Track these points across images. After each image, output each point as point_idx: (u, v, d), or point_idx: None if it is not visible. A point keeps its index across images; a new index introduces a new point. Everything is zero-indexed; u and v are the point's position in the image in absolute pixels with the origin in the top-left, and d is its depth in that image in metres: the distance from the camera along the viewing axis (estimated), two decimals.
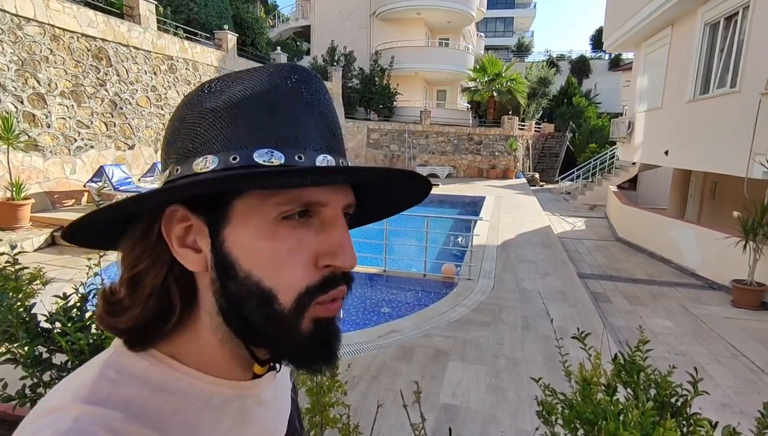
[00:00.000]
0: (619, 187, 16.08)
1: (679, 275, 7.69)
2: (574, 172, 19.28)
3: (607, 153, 18.53)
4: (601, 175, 17.67)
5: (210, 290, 0.46)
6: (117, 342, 0.48)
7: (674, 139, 9.38)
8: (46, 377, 2.07)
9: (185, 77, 12.52)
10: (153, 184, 9.78)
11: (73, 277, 5.85)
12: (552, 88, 30.44)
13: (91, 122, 9.48)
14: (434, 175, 21.70)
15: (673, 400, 1.73)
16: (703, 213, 12.29)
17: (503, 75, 23.74)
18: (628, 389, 1.80)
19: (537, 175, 23.94)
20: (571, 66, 38.87)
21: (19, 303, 2.03)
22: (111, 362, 0.45)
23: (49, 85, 8.63)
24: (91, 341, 1.92)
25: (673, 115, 9.44)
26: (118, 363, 0.45)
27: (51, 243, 7.41)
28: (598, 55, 40.63)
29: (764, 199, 5.97)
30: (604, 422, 1.59)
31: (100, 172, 8.94)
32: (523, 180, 21.93)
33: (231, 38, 14.64)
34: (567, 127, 26.87)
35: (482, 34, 37.01)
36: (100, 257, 2.39)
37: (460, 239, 9.43)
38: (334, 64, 22.81)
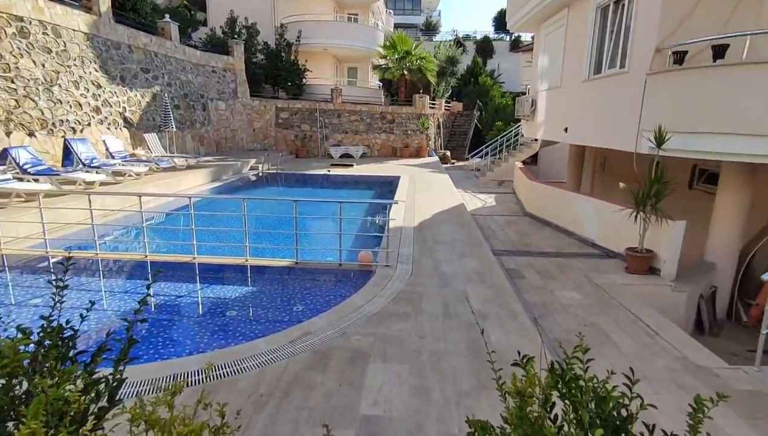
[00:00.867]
0: (523, 162, 17.01)
1: (581, 245, 8.18)
2: (482, 150, 20.00)
3: (512, 131, 19.45)
4: (507, 152, 18.54)
5: None
6: None
7: (573, 117, 9.92)
8: None
9: (44, 44, 10.46)
10: (5, 175, 8.08)
11: None
12: (459, 67, 31.27)
13: None
14: (349, 156, 21.24)
15: (615, 414, 1.50)
16: (595, 186, 13.41)
17: (413, 53, 23.70)
18: (566, 401, 1.54)
19: (448, 153, 24.56)
20: (476, 46, 40.24)
21: None
22: None
23: None
24: None
25: (571, 94, 9.94)
26: None
27: None
28: (500, 36, 42.57)
29: (651, 173, 6.43)
30: None
31: None
32: (436, 158, 22.35)
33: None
34: (474, 106, 27.86)
35: (391, 11, 36.67)
36: None
37: (376, 220, 9.17)
38: (235, 37, 20.96)
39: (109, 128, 12.38)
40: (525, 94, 18.72)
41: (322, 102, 21.71)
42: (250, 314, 5.09)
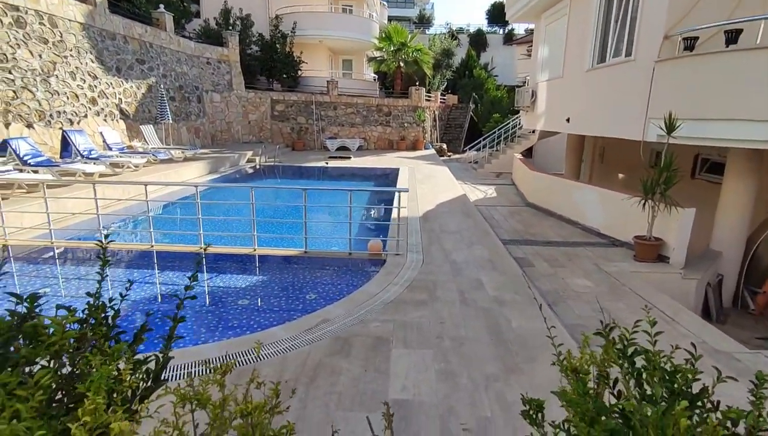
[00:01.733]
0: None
1: (586, 235, 8.21)
2: (480, 142, 19.99)
3: (509, 122, 19.45)
4: (505, 144, 18.55)
5: None
6: None
7: (575, 107, 9.92)
8: None
9: (40, 34, 10.22)
10: (5, 166, 7.92)
11: None
12: (454, 60, 31.15)
13: None
14: (345, 148, 21.11)
15: (685, 388, 1.48)
16: (594, 176, 13.48)
17: (408, 45, 23.56)
18: (627, 377, 1.52)
19: (444, 146, 24.53)
20: (470, 39, 40.10)
21: None
22: None
23: None
24: None
25: (574, 84, 9.93)
26: None
27: None
28: (494, 29, 42.50)
29: (660, 161, 6.45)
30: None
31: None
32: (432, 151, 22.30)
33: None
34: (470, 99, 27.81)
35: (385, 3, 36.39)
36: None
37: (373, 213, 9.12)
38: (230, 28, 20.66)
39: (105, 120, 12.16)
40: (521, 86, 18.70)
41: (317, 94, 21.53)
42: (263, 303, 5.03)
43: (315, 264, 6.01)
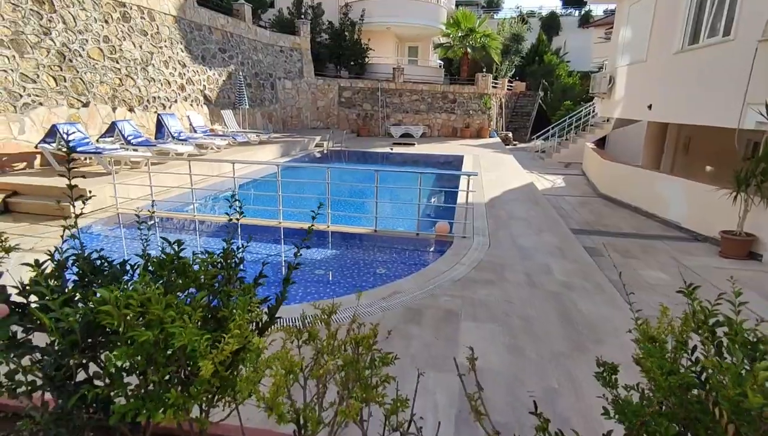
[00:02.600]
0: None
1: (664, 228, 7.79)
2: (549, 131, 19.26)
3: (581, 110, 18.54)
4: (575, 133, 17.74)
5: None
6: None
7: (658, 93, 9.32)
8: (25, 361, 1.68)
9: (141, 27, 11.34)
10: (113, 144, 8.97)
11: (35, 245, 5.25)
12: (524, 45, 29.97)
13: (38, 76, 8.43)
14: (409, 135, 21.26)
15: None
16: (676, 168, 12.57)
17: (477, 30, 23.03)
18: (707, 347, 1.59)
19: (510, 135, 23.87)
20: (541, 23, 38.29)
21: None
22: None
23: None
24: (80, 316, 1.53)
25: (659, 68, 9.32)
26: None
27: (3, 210, 6.66)
28: (569, 11, 40.20)
29: (760, 150, 5.98)
30: (716, 383, 1.38)
31: (53, 132, 8.04)
32: (497, 139, 21.82)
33: None
34: (539, 86, 26.71)
35: None
36: (76, 216, 1.94)
37: (434, 200, 9.20)
38: (302, 17, 21.43)
39: (192, 105, 13.26)
40: (596, 72, 17.67)
41: (383, 81, 21.78)
42: (338, 274, 5.40)
43: (384, 242, 6.29)
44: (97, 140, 9.20)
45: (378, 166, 13.48)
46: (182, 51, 12.96)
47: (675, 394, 1.50)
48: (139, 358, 1.67)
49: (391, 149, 16.79)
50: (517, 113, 27.17)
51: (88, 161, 8.83)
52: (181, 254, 2.03)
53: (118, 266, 1.95)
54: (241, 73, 15.52)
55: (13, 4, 8.07)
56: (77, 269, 1.89)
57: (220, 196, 8.38)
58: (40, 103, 8.39)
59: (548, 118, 23.65)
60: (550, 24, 38.28)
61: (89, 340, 1.68)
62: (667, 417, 1.43)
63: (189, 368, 1.71)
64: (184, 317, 1.63)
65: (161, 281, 1.90)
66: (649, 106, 9.61)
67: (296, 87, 20.18)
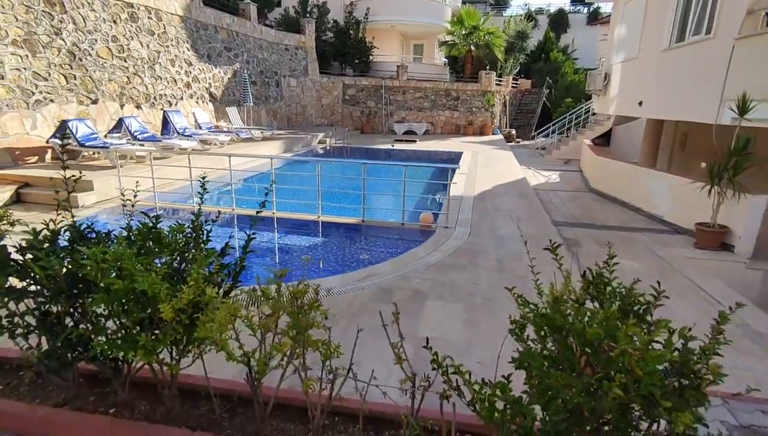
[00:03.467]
0: (594, 142, 16.32)
1: (648, 221, 8.00)
2: (549, 127, 19.39)
3: (582, 107, 18.64)
4: (576, 130, 17.85)
5: None
6: None
7: (648, 89, 9.49)
8: (22, 306, 2.04)
9: (148, 27, 11.78)
10: (120, 140, 9.41)
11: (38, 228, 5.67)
12: (530, 43, 30.01)
13: (49, 74, 8.90)
14: (412, 132, 21.53)
15: (636, 308, 1.84)
16: (673, 165, 12.66)
17: (481, 28, 23.19)
18: (595, 303, 1.90)
19: (513, 132, 23.99)
20: (549, 20, 38.20)
21: None
22: None
23: None
24: (65, 268, 1.88)
25: (649, 65, 9.49)
26: None
27: (16, 200, 7.12)
28: (577, 8, 40.00)
29: (731, 145, 6.17)
30: (571, 324, 1.69)
31: (63, 127, 8.49)
32: (500, 136, 21.99)
33: None
34: (544, 83, 26.77)
35: None
36: (69, 193, 2.30)
37: (438, 197, 9.50)
38: (307, 16, 21.80)
39: (197, 102, 13.71)
40: (600, 68, 17.74)
41: (387, 79, 22.07)
42: (323, 260, 5.75)
43: (370, 232, 6.62)
44: (105, 136, 9.66)
45: (365, 160, 13.78)
46: (188, 50, 13.40)
47: (553, 338, 1.83)
48: (115, 306, 2.03)
49: (392, 146, 17.10)
50: (522, 111, 27.27)
51: (96, 155, 9.29)
52: (158, 226, 2.39)
53: (104, 234, 2.31)
54: (246, 72, 15.93)
55: (26, 6, 8.54)
56: (69, 236, 2.26)
57: (220, 189, 8.78)
58: (51, 100, 8.86)
59: (552, 116, 23.73)
60: (559, 21, 38.18)
61: (75, 290, 2.04)
62: (546, 358, 1.76)
63: (156, 315, 2.05)
64: (151, 272, 1.98)
65: (137, 246, 2.25)
66: (640, 103, 9.78)
67: (301, 85, 20.57)
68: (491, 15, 30.19)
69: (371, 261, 5.48)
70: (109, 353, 1.97)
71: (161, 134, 11.22)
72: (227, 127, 14.19)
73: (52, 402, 2.32)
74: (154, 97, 11.80)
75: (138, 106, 11.21)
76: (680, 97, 8.19)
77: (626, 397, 1.51)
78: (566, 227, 7.52)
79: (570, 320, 1.73)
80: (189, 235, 2.39)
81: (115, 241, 2.30)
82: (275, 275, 2.24)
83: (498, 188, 9.42)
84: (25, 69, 8.39)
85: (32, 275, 1.95)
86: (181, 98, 12.92)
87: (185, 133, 11.34)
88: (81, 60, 9.64)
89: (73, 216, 2.39)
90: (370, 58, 22.99)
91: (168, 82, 12.40)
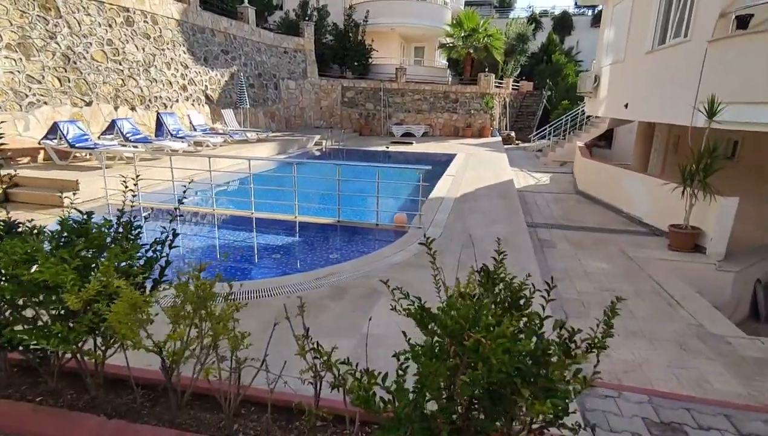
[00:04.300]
0: (595, 145, 16.30)
1: (627, 223, 8.01)
2: (545, 130, 19.37)
3: (578, 109, 18.60)
4: (572, 133, 17.82)
5: None
6: None
7: (634, 92, 9.49)
8: None
9: (144, 31, 12.03)
10: (112, 141, 9.64)
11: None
12: (532, 45, 29.96)
13: (43, 77, 9.16)
14: (410, 135, 21.62)
15: (521, 302, 1.95)
16: (666, 167, 12.61)
17: (480, 30, 23.23)
18: (489, 293, 2.01)
19: (513, 134, 23.98)
20: (553, 22, 38.07)
21: None
22: None
23: None
24: None
25: (634, 67, 9.50)
26: None
27: (4, 199, 7.33)
28: (581, 11, 39.82)
29: (701, 147, 6.18)
30: (437, 315, 1.79)
31: (54, 129, 8.73)
32: (499, 139, 21.98)
33: None
34: (545, 86, 26.71)
35: None
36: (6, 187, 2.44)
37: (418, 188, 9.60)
38: (306, 19, 22.03)
39: (193, 104, 13.95)
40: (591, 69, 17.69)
41: (386, 81, 22.20)
42: (293, 258, 5.87)
43: (345, 232, 6.73)
44: (99, 137, 9.89)
45: (340, 162, 13.88)
46: (184, 53, 13.65)
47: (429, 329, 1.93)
48: (29, 296, 2.16)
49: (387, 148, 17.21)
50: (523, 113, 27.23)
51: (87, 157, 9.52)
52: (90, 222, 2.52)
53: (30, 230, 2.45)
54: (242, 74, 16.16)
55: (21, 10, 8.81)
56: None
57: (204, 191, 8.94)
58: (45, 103, 9.12)
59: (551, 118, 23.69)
60: (563, 23, 38.01)
61: None
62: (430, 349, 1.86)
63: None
64: (64, 265, 2.11)
65: (62, 240, 2.38)
66: (626, 105, 9.78)
67: (300, 87, 20.78)
68: (495, 17, 30.26)
69: (340, 260, 5.59)
70: (25, 341, 2.10)
71: (155, 136, 11.45)
72: (222, 130, 14.40)
73: None
74: (149, 100, 12.05)
75: (132, 109, 11.46)
76: (662, 100, 8.20)
77: (473, 383, 1.61)
78: (543, 229, 7.56)
79: (452, 313, 1.83)
80: (115, 230, 2.53)
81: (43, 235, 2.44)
82: (194, 269, 2.34)
83: (481, 190, 9.48)
84: (18, 72, 8.65)
85: None
86: (177, 100, 13.16)
87: (178, 135, 11.55)
88: (75, 63, 9.90)
89: (7, 211, 2.53)
90: (370, 60, 23.15)
91: (163, 85, 12.65)
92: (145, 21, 12.15)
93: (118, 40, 11.20)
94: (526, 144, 23.24)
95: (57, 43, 9.50)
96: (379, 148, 17.18)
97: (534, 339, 1.75)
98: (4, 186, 7.29)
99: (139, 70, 11.75)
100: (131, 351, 2.20)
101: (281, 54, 19.67)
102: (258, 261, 5.78)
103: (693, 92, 6.80)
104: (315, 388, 2.15)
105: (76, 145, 8.75)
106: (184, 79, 13.53)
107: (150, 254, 2.50)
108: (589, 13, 38.95)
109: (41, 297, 2.09)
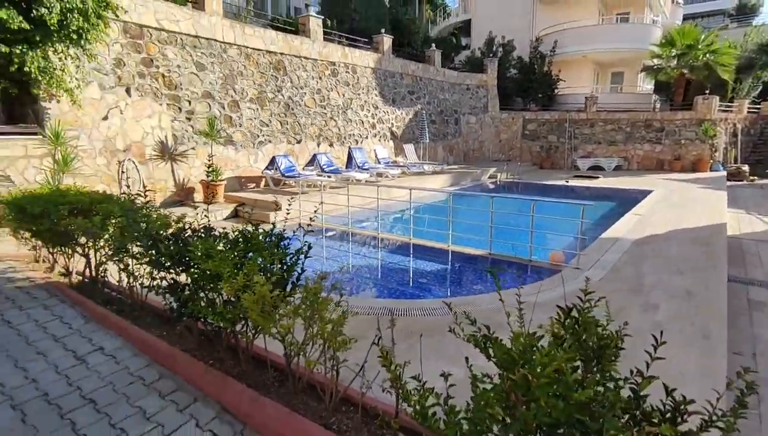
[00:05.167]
0: None
1: None
2: None
3: None
4: None
5: None
6: None
7: None
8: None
9: (344, 79, 14.32)
10: (312, 172, 11.64)
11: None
12: None
13: (270, 121, 11.81)
14: (599, 168, 19.57)
15: (602, 348, 1.78)
16: None
17: (699, 47, 19.66)
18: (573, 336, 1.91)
19: (746, 168, 19.15)
20: None
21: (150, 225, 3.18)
22: None
23: (242, 93, 11.13)
24: (173, 248, 2.87)
25: None
26: None
27: (234, 215, 9.65)
28: None
29: None
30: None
31: (273, 162, 11.11)
32: (723, 173, 17.90)
33: (387, 41, 16.02)
34: None
35: (680, 0, 31.00)
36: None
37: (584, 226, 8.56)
38: (491, 55, 22.50)
39: (380, 140, 15.75)
40: None
41: (573, 111, 20.74)
42: (436, 286, 6.05)
43: (495, 265, 6.58)
44: (303, 168, 12.13)
45: (493, 194, 13.11)
46: (376, 96, 15.64)
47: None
48: (207, 281, 2.90)
49: (567, 182, 15.95)
50: (764, 142, 21.59)
51: (293, 184, 11.75)
52: (257, 232, 3.25)
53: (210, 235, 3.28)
54: (425, 112, 17.49)
55: (261, 72, 11.66)
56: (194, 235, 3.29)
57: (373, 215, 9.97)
58: (269, 141, 11.72)
59: None
60: None
61: (181, 261, 3.02)
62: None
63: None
64: (228, 261, 2.79)
65: (229, 244, 3.12)
66: None
67: (480, 121, 21.19)
68: (728, 27, 25.21)
69: (481, 291, 5.52)
70: (205, 315, 2.84)
71: (345, 167, 13.36)
72: (402, 162, 15.79)
73: (183, 347, 3.35)
74: (344, 137, 14.18)
75: (331, 145, 13.66)
76: None
77: (522, 421, 1.55)
78: (759, 288, 5.89)
79: (505, 345, 1.81)
80: (272, 241, 3.18)
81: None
82: (318, 278, 2.79)
83: (675, 233, 7.94)
84: (255, 118, 11.40)
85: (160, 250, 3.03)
86: (366, 137, 15.10)
87: (363, 167, 13.21)
88: (293, 109, 12.46)
89: (209, 218, 3.46)
90: (555, 91, 22.06)
91: (356, 124, 14.72)
92: (346, 71, 14.46)
93: (325, 89, 13.62)
94: (765, 181, 18.27)
95: (282, 94, 12.16)
96: (559, 182, 16.06)
97: (600, 390, 1.55)
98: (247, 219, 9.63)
99: (338, 112, 13.99)
100: (270, 339, 2.72)
101: (463, 91, 20.53)
102: (407, 283, 6.17)
103: None
104: (396, 400, 2.29)
105: (286, 174, 10.94)
106: (374, 118, 15.46)
107: (290, 260, 3.04)
108: None
109: (214, 284, 2.81)
